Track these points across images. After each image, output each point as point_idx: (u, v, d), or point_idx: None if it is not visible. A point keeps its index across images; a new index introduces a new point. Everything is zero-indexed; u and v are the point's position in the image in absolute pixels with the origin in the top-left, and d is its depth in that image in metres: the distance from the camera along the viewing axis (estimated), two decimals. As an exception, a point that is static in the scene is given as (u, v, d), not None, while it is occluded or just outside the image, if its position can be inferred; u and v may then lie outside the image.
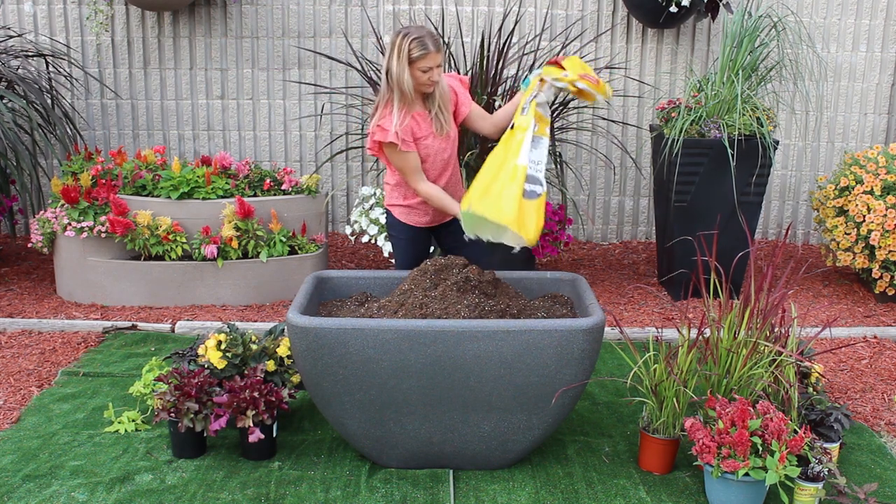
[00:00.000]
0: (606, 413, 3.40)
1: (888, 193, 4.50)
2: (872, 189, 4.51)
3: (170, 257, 4.44)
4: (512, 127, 3.06)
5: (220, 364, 3.11)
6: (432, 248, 4.11)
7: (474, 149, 4.48)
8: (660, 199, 4.81)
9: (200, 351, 3.19)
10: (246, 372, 3.08)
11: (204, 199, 4.49)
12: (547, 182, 5.23)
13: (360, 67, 4.88)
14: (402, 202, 3.41)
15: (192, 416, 2.91)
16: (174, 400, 2.95)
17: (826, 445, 2.85)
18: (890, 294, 4.60)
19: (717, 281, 3.05)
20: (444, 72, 4.60)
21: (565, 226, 4.77)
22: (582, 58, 5.18)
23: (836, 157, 5.72)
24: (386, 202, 3.50)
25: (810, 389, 3.13)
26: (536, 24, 5.46)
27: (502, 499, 2.78)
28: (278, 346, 3.25)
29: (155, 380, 3.27)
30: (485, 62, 4.45)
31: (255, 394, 2.93)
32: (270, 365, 3.17)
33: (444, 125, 3.28)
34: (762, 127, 4.33)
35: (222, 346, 3.16)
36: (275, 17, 5.47)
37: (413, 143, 3.21)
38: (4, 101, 4.50)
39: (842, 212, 4.70)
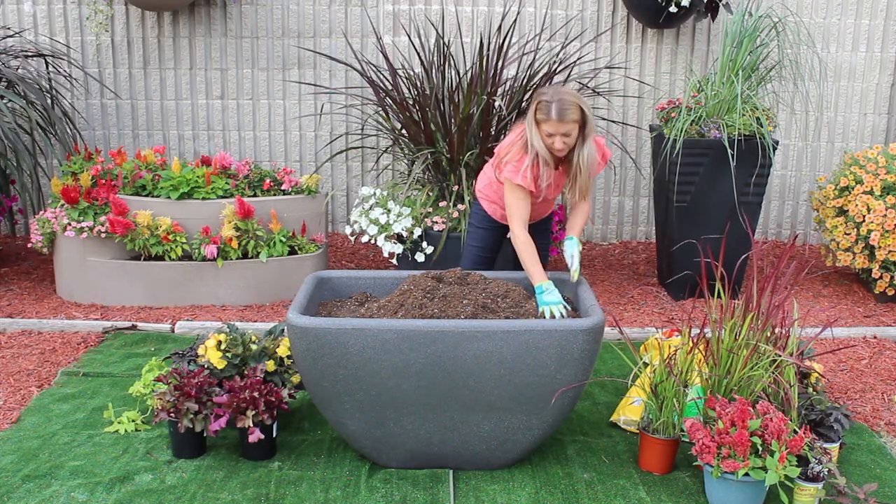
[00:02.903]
0: (606, 413, 3.40)
1: (888, 193, 4.50)
2: (872, 189, 4.51)
3: (170, 257, 4.44)
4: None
5: (220, 364, 3.11)
6: None
7: (474, 149, 4.48)
8: (660, 199, 4.81)
9: (200, 351, 3.19)
10: (246, 372, 3.08)
11: (204, 199, 4.49)
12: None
13: (359, 67, 4.88)
14: (493, 197, 3.56)
15: (191, 416, 2.91)
16: (174, 400, 2.95)
17: (826, 445, 2.85)
18: (890, 294, 4.60)
19: (718, 281, 3.05)
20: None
21: (565, 226, 4.77)
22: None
23: (836, 157, 5.72)
24: (477, 188, 3.67)
25: (810, 389, 3.13)
26: (536, 24, 5.46)
27: (502, 499, 2.78)
28: (278, 346, 3.25)
29: (155, 380, 3.26)
30: (484, 62, 4.45)
31: (255, 394, 2.93)
32: (270, 365, 3.17)
33: (576, 194, 3.32)
34: (762, 127, 4.33)
35: (222, 346, 3.16)
36: (275, 17, 5.47)
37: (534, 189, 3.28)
38: (4, 101, 4.50)
39: (842, 212, 4.70)
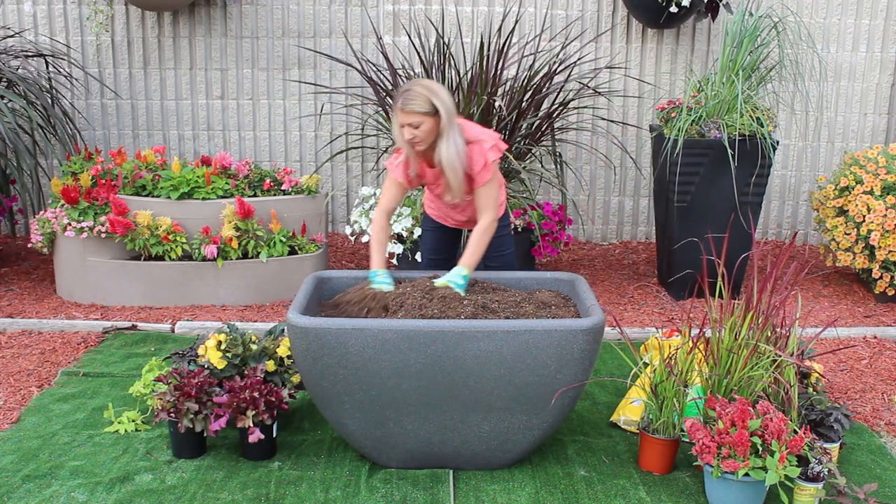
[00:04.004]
0: (606, 413, 3.40)
1: (888, 193, 4.50)
2: (872, 189, 4.51)
3: (170, 257, 4.44)
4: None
5: (220, 364, 3.11)
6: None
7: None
8: (660, 199, 4.81)
9: (200, 351, 3.19)
10: (246, 372, 3.08)
11: (204, 199, 4.49)
12: (547, 182, 5.26)
13: (360, 67, 4.88)
14: (429, 197, 3.59)
15: (191, 416, 2.91)
16: (174, 400, 2.95)
17: (826, 445, 2.85)
18: (890, 294, 4.60)
19: (718, 281, 3.05)
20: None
21: (565, 226, 4.77)
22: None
23: (836, 157, 5.72)
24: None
25: (810, 389, 3.13)
26: (536, 25, 5.46)
27: (502, 499, 2.78)
28: (278, 346, 3.25)
29: (155, 380, 3.26)
30: (485, 62, 4.45)
31: (255, 394, 2.93)
32: (270, 365, 3.17)
33: (450, 194, 3.24)
34: (762, 127, 4.33)
35: (222, 347, 3.16)
36: (275, 17, 5.47)
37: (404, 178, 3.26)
38: (5, 101, 4.50)
39: (842, 212, 4.70)
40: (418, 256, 4.42)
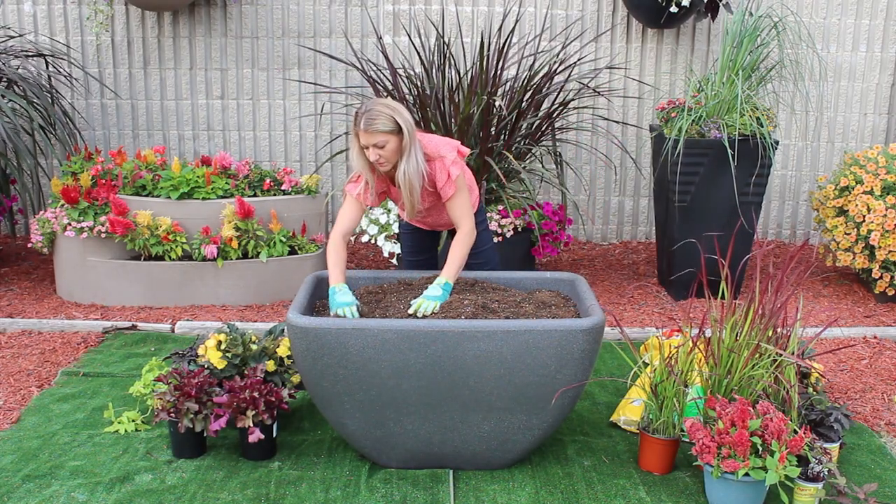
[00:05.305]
0: (606, 413, 3.40)
1: (888, 193, 4.49)
2: (872, 189, 4.51)
3: (170, 257, 4.44)
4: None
5: (220, 364, 3.11)
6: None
7: (474, 149, 4.48)
8: (660, 199, 4.81)
9: (200, 351, 3.19)
10: (246, 372, 3.08)
11: (204, 199, 4.49)
12: (547, 182, 5.25)
13: (360, 67, 4.88)
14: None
15: (191, 416, 2.91)
16: (174, 400, 2.95)
17: (826, 445, 2.85)
18: (890, 294, 4.60)
19: (718, 280, 3.05)
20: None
21: (565, 226, 4.77)
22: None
23: (836, 157, 5.72)
24: None
25: (810, 389, 3.13)
26: (536, 25, 5.46)
27: (502, 499, 2.78)
28: (278, 346, 3.25)
29: (155, 380, 3.26)
30: (485, 62, 4.45)
31: (255, 394, 2.93)
32: (270, 365, 3.17)
33: (408, 208, 3.18)
34: (762, 127, 4.33)
35: (222, 346, 3.16)
36: (275, 17, 5.47)
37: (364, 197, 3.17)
38: (5, 101, 4.50)
39: (842, 212, 4.70)
40: (418, 256, 4.42)
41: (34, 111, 4.77)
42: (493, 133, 4.48)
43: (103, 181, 4.52)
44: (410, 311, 2.90)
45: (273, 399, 2.97)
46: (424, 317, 2.86)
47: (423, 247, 3.66)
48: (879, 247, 4.46)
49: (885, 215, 4.41)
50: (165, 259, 4.45)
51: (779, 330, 2.96)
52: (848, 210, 4.60)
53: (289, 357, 3.24)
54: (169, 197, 4.48)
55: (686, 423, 2.75)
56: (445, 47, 4.68)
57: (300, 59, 5.52)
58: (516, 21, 5.06)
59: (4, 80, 4.84)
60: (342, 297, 2.94)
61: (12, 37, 5.22)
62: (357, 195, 3.15)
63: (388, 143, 3.00)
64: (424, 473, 2.92)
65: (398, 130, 3.00)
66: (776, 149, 4.46)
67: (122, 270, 4.46)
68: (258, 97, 5.59)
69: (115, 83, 5.53)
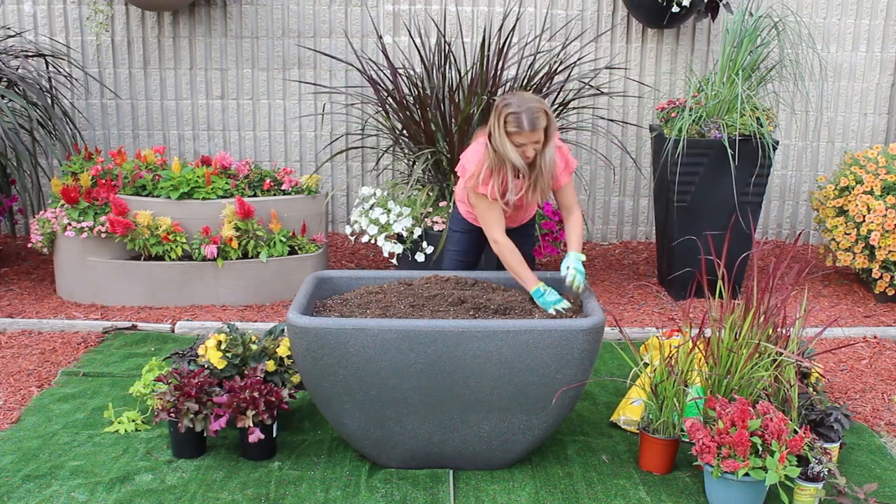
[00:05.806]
0: (606, 413, 3.40)
1: (888, 193, 4.49)
2: (872, 189, 4.51)
3: (170, 257, 4.44)
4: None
5: (220, 364, 3.11)
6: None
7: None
8: (660, 199, 4.81)
9: (200, 351, 3.19)
10: (246, 372, 3.08)
11: (204, 199, 4.49)
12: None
13: (360, 67, 4.88)
14: (469, 207, 3.47)
15: (191, 416, 2.91)
16: (174, 400, 2.95)
17: (826, 445, 2.85)
18: (890, 294, 4.60)
19: (719, 281, 3.05)
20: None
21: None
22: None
23: (836, 157, 5.72)
24: (456, 197, 3.59)
25: (810, 389, 3.13)
26: (536, 25, 5.46)
27: (502, 499, 2.78)
28: (278, 346, 3.25)
29: (155, 380, 3.27)
30: (485, 62, 4.45)
31: (255, 394, 2.93)
32: (270, 365, 3.17)
33: (540, 197, 3.26)
34: (762, 127, 4.33)
35: (222, 346, 3.16)
36: (275, 17, 5.47)
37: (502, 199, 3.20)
38: (5, 101, 4.50)
39: (842, 212, 4.70)
40: (418, 256, 4.42)
41: (34, 111, 4.77)
42: (493, 133, 4.47)
43: (103, 181, 4.52)
44: (567, 281, 3.07)
45: (273, 399, 2.97)
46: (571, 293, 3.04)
47: (476, 248, 3.65)
48: (879, 247, 4.46)
49: (885, 215, 4.41)
50: (165, 259, 4.45)
51: (778, 330, 2.96)
52: (848, 210, 4.60)
53: (289, 357, 3.24)
54: (169, 197, 4.48)
55: (686, 423, 2.75)
56: (447, 47, 4.68)
57: (300, 59, 5.52)
58: (516, 21, 5.06)
59: (4, 80, 4.84)
60: (550, 297, 3.02)
61: (12, 36, 5.22)
62: (491, 191, 3.14)
63: (541, 138, 3.06)
64: (424, 473, 2.92)
65: (549, 120, 3.05)
66: (776, 149, 4.46)
67: (122, 270, 4.46)
68: (258, 97, 5.59)
69: (115, 83, 5.53)
